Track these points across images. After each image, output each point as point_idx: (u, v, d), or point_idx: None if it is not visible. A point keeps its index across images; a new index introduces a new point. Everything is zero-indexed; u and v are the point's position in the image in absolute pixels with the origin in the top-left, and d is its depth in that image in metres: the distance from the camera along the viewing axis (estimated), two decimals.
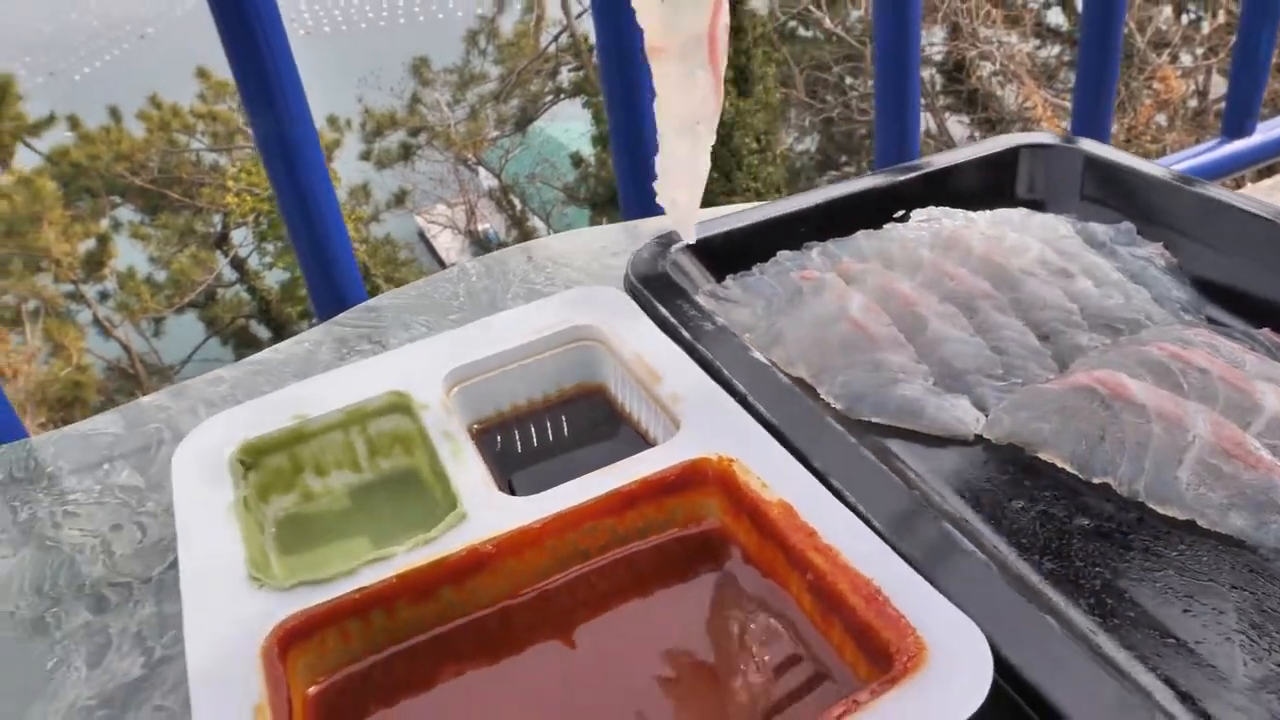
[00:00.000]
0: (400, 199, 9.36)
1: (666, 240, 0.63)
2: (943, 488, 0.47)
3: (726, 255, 0.64)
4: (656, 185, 0.47)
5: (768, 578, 0.39)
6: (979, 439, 0.50)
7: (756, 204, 0.70)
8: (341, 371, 0.51)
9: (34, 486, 0.58)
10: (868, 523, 0.38)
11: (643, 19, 0.43)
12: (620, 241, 0.76)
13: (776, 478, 0.40)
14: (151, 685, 0.44)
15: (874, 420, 0.52)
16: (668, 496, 0.41)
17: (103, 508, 0.55)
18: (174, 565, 0.50)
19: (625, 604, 0.40)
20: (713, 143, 0.47)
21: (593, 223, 10.01)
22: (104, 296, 8.61)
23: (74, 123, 8.74)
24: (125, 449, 0.60)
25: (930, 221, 0.66)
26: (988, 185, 0.70)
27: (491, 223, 10.51)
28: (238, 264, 8.70)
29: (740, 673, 0.37)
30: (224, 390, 0.64)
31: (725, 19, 0.44)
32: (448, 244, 10.80)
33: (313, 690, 0.37)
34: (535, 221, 10.31)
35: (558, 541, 0.40)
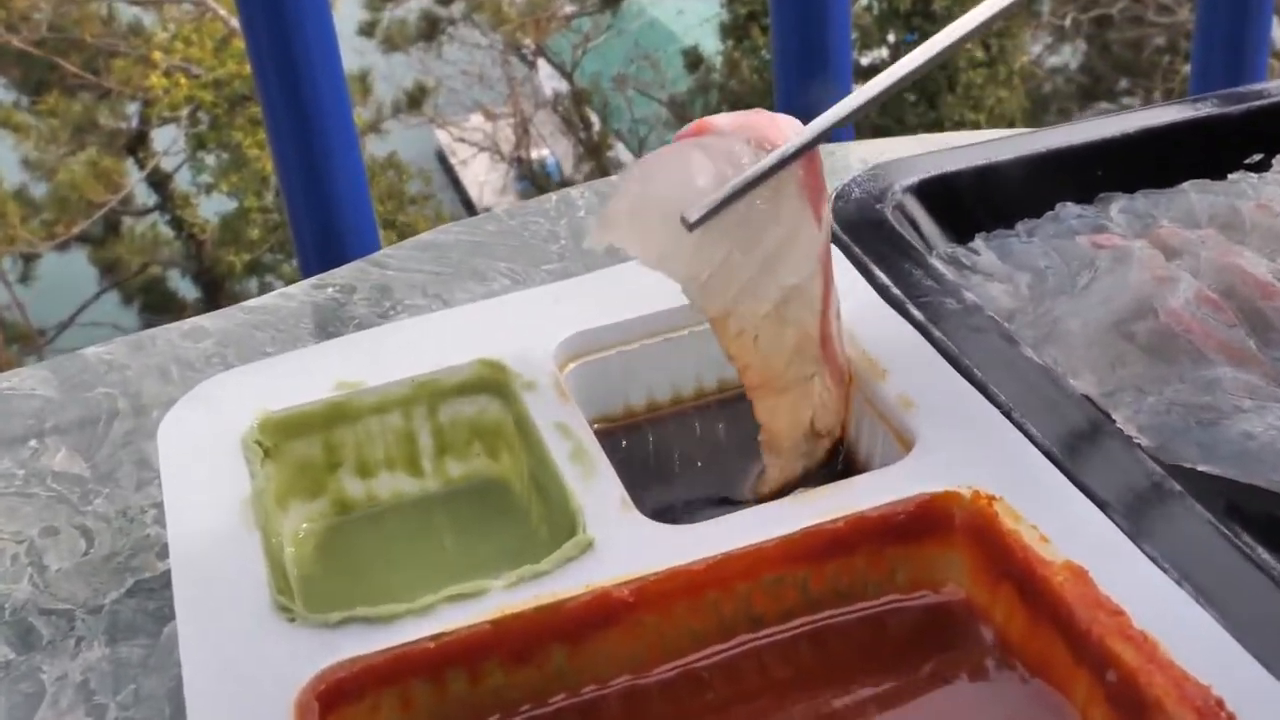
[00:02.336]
0: (416, 101, 9.56)
1: (888, 171, 0.66)
2: None
3: (977, 202, 0.66)
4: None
5: (1037, 676, 0.41)
6: None
7: (1025, 130, 0.72)
8: (399, 327, 0.55)
9: None
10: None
11: (731, 357, 0.47)
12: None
13: (1063, 530, 0.42)
14: None
15: (1199, 468, 0.54)
16: (891, 545, 0.44)
17: (29, 502, 0.60)
18: (135, 592, 0.55)
19: (812, 702, 0.43)
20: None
21: None
22: None
23: None
24: (61, 420, 0.65)
25: None
26: None
27: (552, 147, 10.67)
28: (159, 182, 8.99)
29: None
30: (207, 347, 0.69)
31: (835, 302, 0.49)
32: (481, 175, 10.98)
33: None
34: (620, 151, 10.42)
35: (722, 596, 0.43)
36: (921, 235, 0.65)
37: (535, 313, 0.55)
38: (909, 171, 0.66)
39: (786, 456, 0.50)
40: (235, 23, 8.64)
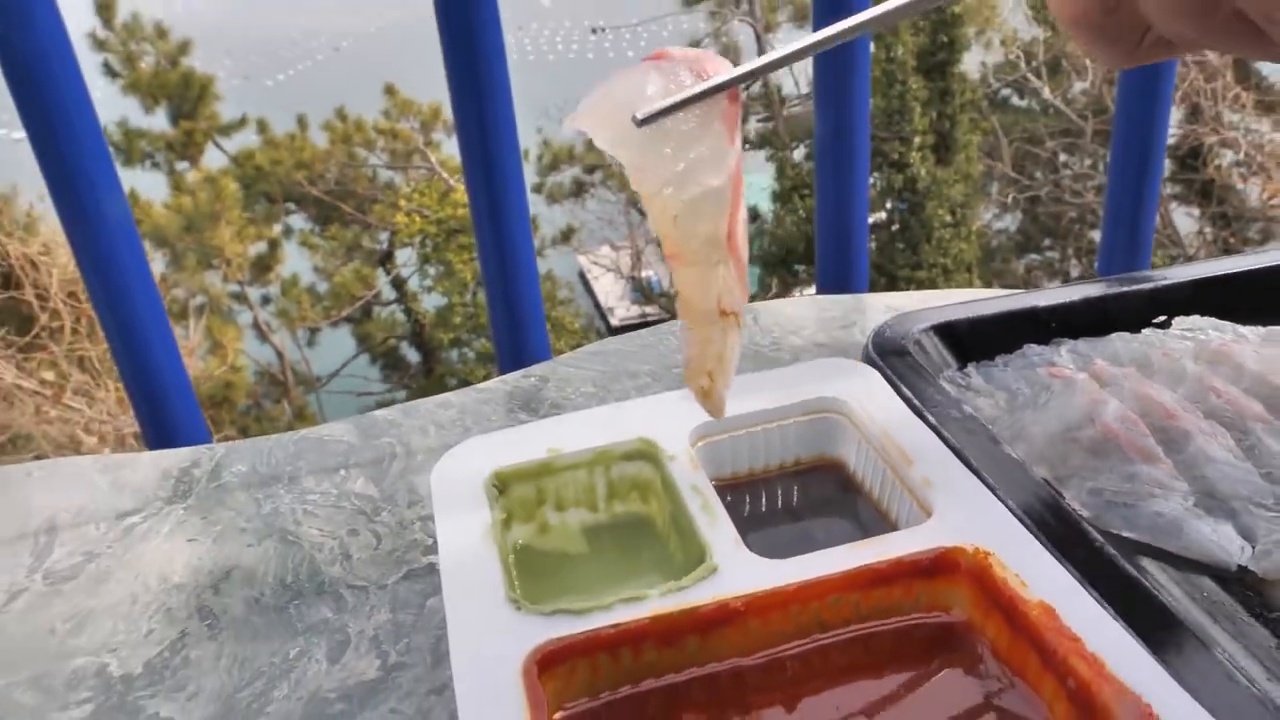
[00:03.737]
0: (567, 236, 9.69)
1: (909, 318, 0.66)
2: (1201, 618, 0.48)
3: (970, 341, 0.66)
4: (684, 373, 0.48)
5: (1016, 677, 0.41)
6: (1242, 570, 0.51)
7: (1004, 292, 0.72)
8: (591, 413, 0.56)
9: (278, 484, 0.65)
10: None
11: (657, 230, 0.45)
12: (850, 314, 0.79)
13: (1038, 578, 0.42)
14: (387, 689, 0.49)
15: (1124, 534, 0.53)
16: (917, 580, 0.44)
17: (340, 511, 0.62)
18: (408, 576, 0.56)
19: (858, 682, 0.43)
20: (741, 331, 0.48)
21: (763, 283, 10.06)
22: (266, 300, 9.25)
23: (262, 127, 9.50)
24: (360, 459, 0.67)
25: (1195, 332, 0.67)
26: (1265, 301, 0.70)
27: (655, 270, 10.71)
28: (398, 284, 9.19)
29: None
30: (452, 414, 0.71)
31: (743, 213, 0.45)
32: (608, 287, 11.06)
33: (558, 717, 0.41)
34: None
35: (802, 609, 0.44)
36: (931, 362, 0.65)
37: (676, 408, 0.56)
38: (924, 320, 0.67)
39: (699, 325, 0.46)
40: (453, 182, 8.86)
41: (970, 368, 0.65)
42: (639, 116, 0.41)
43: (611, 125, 0.42)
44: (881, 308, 0.79)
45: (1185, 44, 0.35)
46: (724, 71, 0.43)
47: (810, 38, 0.42)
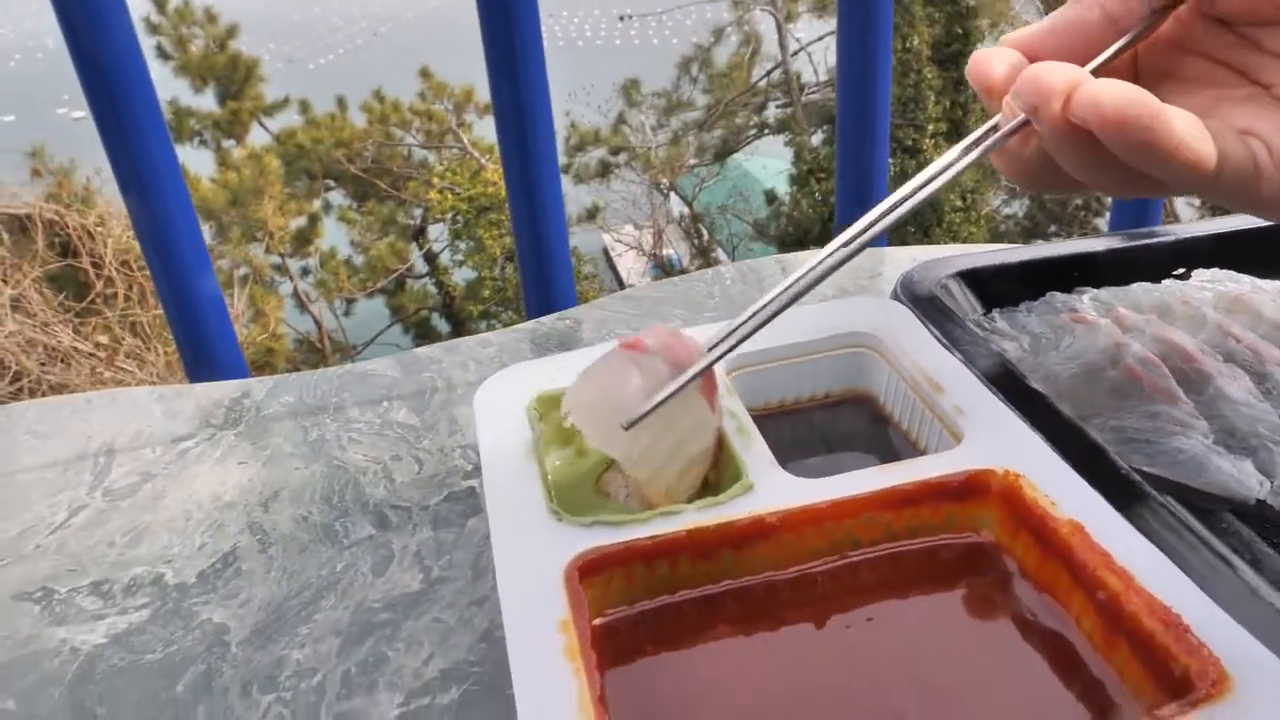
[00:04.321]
0: (592, 214, 9.67)
1: (936, 264, 0.65)
2: (1222, 547, 0.47)
3: (995, 289, 0.65)
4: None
5: (1044, 593, 0.40)
6: (1261, 504, 0.49)
7: (1032, 243, 0.70)
8: None
9: (323, 414, 0.65)
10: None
11: (649, 494, 0.44)
12: (877, 264, 0.78)
13: (1066, 499, 0.41)
14: (430, 600, 0.49)
15: (1146, 470, 0.52)
16: (947, 502, 0.43)
17: (383, 439, 0.62)
18: (449, 499, 0.56)
19: (888, 599, 0.42)
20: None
21: None
22: (305, 272, 9.29)
23: (304, 107, 9.51)
24: (402, 391, 0.67)
25: (1215, 283, 0.65)
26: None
27: (676, 249, 10.67)
28: (430, 258, 9.20)
29: (1004, 684, 0.38)
30: (491, 352, 0.70)
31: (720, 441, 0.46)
32: (630, 264, 11.02)
33: (597, 622, 0.41)
34: (720, 254, 10.40)
35: (835, 526, 0.43)
36: (958, 306, 0.64)
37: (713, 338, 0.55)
38: (951, 266, 0.65)
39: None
40: (484, 161, 8.85)
41: (995, 313, 0.64)
42: (625, 424, 0.43)
43: (600, 426, 0.44)
44: (907, 259, 0.78)
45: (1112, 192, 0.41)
46: (698, 357, 0.44)
47: (780, 291, 0.44)
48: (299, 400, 0.67)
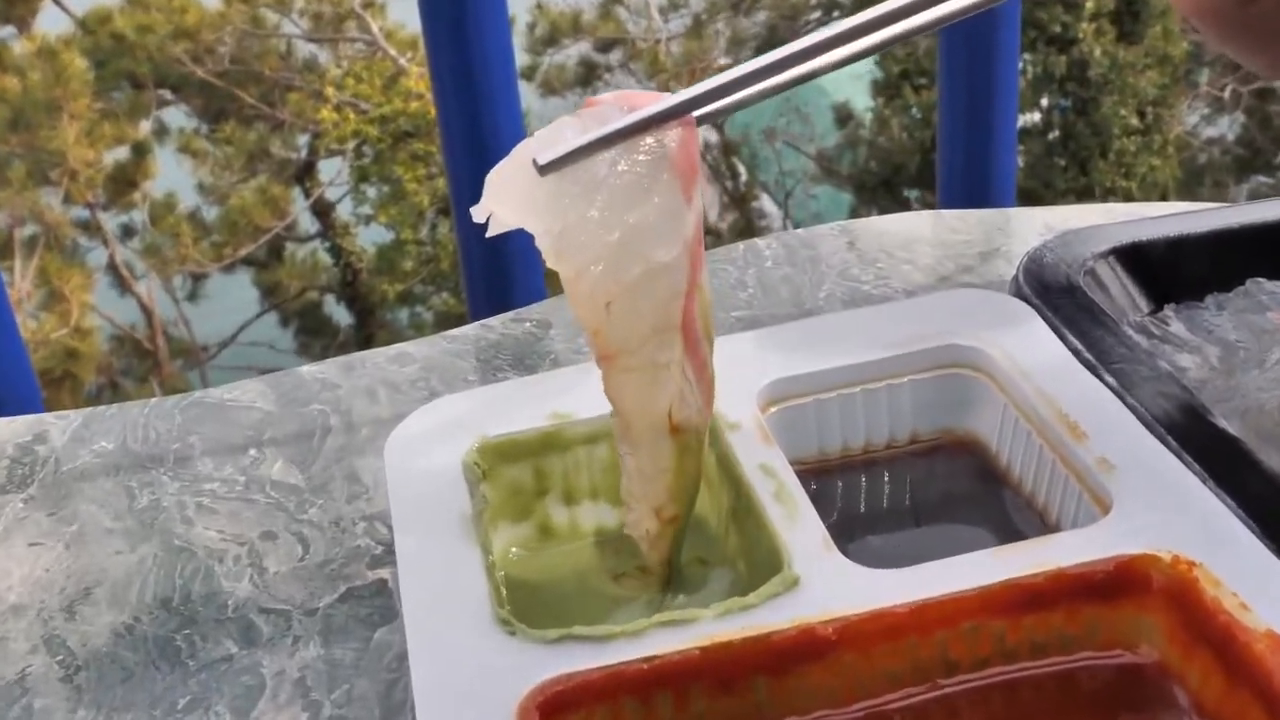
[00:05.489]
0: None
1: (1079, 238, 0.67)
2: None
3: (1168, 273, 0.67)
4: (624, 516, 0.50)
5: None
6: None
7: (1219, 205, 0.72)
8: None
9: (158, 466, 0.67)
10: None
11: (582, 322, 0.46)
12: (991, 235, 0.80)
13: (1264, 599, 0.42)
14: None
15: None
16: (1089, 603, 0.45)
17: (250, 507, 0.63)
18: (346, 597, 0.57)
19: None
20: (704, 454, 0.49)
21: (856, 214, 10.02)
22: (128, 233, 9.29)
23: None
24: (279, 432, 0.68)
25: None
26: None
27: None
28: (322, 210, 9.22)
29: None
30: (412, 372, 0.72)
31: (705, 290, 0.47)
32: None
33: None
34: (765, 202, 10.43)
35: (921, 641, 0.44)
36: (1112, 300, 0.65)
37: (739, 357, 0.56)
38: (1101, 239, 0.67)
39: (643, 449, 0.48)
40: (404, 62, 8.87)
41: (1168, 310, 0.66)
42: (540, 162, 0.43)
43: (516, 189, 0.44)
44: (1039, 226, 0.80)
45: None
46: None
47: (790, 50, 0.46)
48: (121, 447, 0.69)
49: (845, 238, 0.81)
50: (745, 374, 0.55)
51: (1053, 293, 0.63)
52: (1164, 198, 9.08)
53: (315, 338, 9.05)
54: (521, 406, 0.55)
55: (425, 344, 0.75)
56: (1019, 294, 0.63)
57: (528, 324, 0.75)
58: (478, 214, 0.46)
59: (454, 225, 1.09)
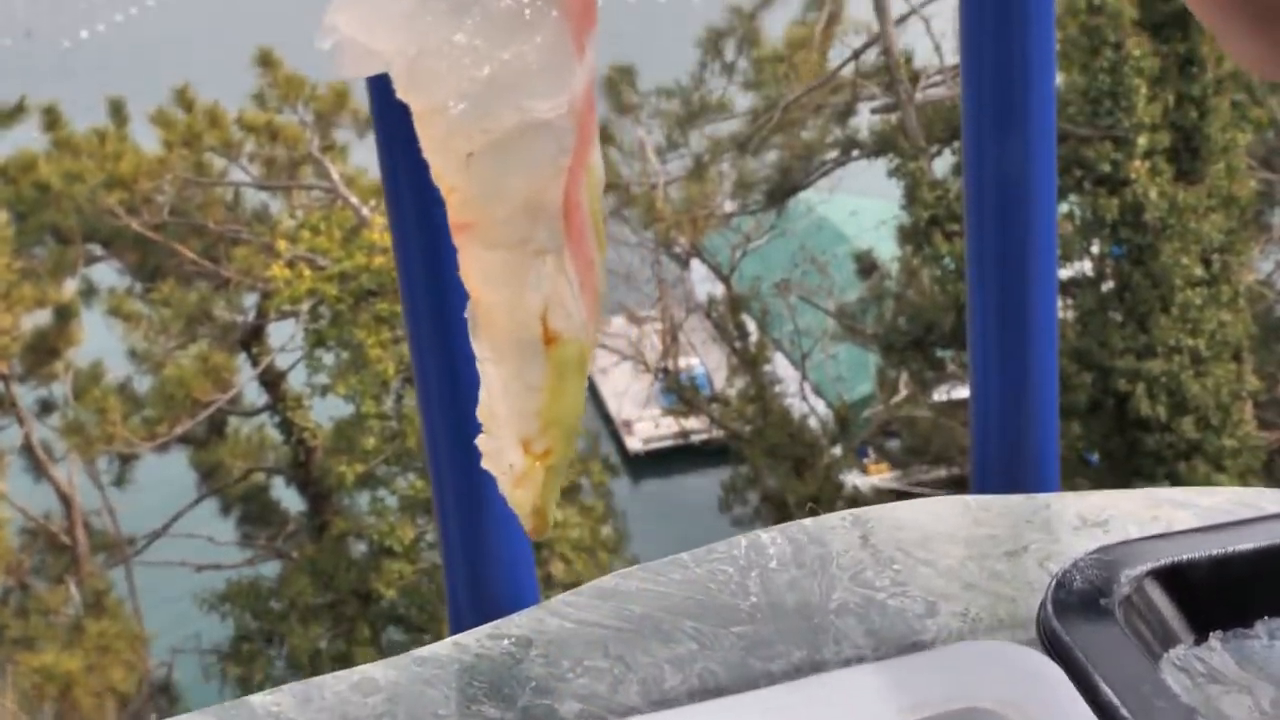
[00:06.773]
0: None
1: (1119, 555, 0.69)
2: None
3: (1215, 595, 0.69)
4: (480, 440, 0.47)
5: None
6: None
7: (1273, 511, 0.75)
8: None
9: None
10: None
11: (438, 175, 0.44)
12: (1017, 530, 0.82)
13: None
14: None
15: None
16: None
17: None
18: None
19: None
20: (586, 373, 0.47)
21: (883, 380, 10.00)
22: (46, 408, 9.30)
23: (50, 118, 9.65)
24: None
25: None
26: None
27: (703, 357, 10.73)
28: (271, 380, 9.23)
29: None
30: (377, 703, 0.74)
31: (599, 173, 0.45)
32: (622, 385, 11.07)
33: None
34: (780, 364, 10.47)
35: None
36: (1150, 626, 0.68)
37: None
38: (1138, 558, 0.69)
39: (508, 358, 0.46)
40: (366, 211, 8.93)
41: (1214, 639, 0.68)
42: None
43: (369, 10, 0.43)
44: (1072, 519, 0.82)
45: None
46: None
47: None
48: None
49: (858, 530, 0.84)
50: None
51: (1083, 626, 0.65)
52: (1236, 357, 9.12)
53: (260, 527, 9.00)
54: None
55: (391, 666, 0.77)
56: (1047, 630, 0.65)
57: (505, 642, 0.78)
58: (321, 39, 0.44)
59: (422, 425, 1.08)
